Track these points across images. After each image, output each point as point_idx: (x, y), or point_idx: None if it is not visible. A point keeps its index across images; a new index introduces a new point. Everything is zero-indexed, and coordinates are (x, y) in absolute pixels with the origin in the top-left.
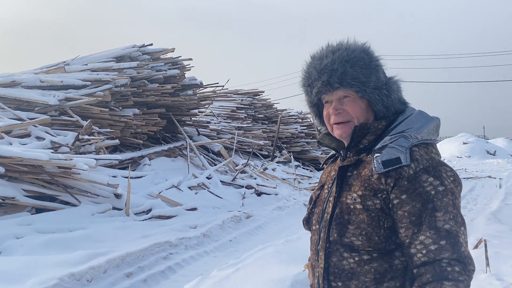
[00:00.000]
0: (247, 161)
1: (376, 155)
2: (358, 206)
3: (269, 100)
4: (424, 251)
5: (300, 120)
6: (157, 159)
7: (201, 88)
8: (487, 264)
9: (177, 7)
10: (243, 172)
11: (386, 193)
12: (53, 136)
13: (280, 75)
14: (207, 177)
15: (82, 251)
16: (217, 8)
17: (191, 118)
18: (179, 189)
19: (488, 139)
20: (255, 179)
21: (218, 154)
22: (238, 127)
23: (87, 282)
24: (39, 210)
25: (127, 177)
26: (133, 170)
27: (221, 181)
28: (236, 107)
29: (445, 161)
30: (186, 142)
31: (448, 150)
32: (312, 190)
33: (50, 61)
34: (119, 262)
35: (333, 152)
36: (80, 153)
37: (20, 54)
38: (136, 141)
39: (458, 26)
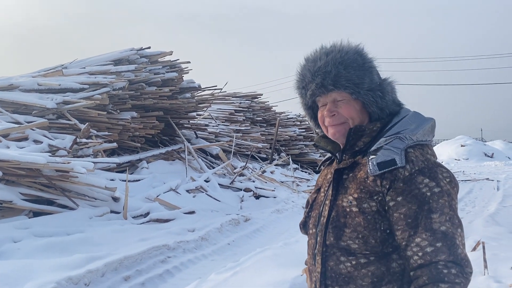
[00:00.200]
0: (246, 164)
1: (372, 157)
2: (354, 209)
3: (267, 103)
4: (420, 254)
5: (299, 123)
6: (155, 162)
7: (199, 91)
8: (485, 266)
9: (175, 10)
10: (241, 175)
11: (382, 195)
12: (50, 139)
13: (278, 78)
14: (205, 180)
15: (80, 254)
16: (215, 12)
17: (189, 121)
18: (177, 192)
19: (485, 141)
20: (254, 182)
21: (216, 157)
22: (236, 130)
23: (85, 286)
24: (36, 214)
25: (125, 181)
26: (131, 174)
27: (219, 184)
28: (234, 110)
29: (443, 163)
30: (184, 145)
31: (446, 152)
32: (310, 193)
33: (49, 64)
34: (117, 266)
35: (329, 154)
36: (78, 157)
37: (19, 57)
38: (134, 144)
39: (455, 29)
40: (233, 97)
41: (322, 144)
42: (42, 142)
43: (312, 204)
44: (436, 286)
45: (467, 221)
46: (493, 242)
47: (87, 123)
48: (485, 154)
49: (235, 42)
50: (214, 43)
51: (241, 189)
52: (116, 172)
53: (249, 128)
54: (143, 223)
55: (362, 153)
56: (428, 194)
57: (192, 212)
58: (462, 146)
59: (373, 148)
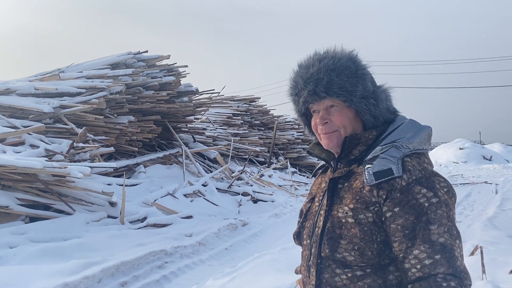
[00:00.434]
0: (243, 168)
1: (368, 166)
2: (350, 220)
3: (265, 107)
4: (418, 266)
5: (297, 127)
6: (152, 167)
7: (196, 95)
8: (483, 271)
9: (172, 14)
10: (239, 179)
11: (378, 205)
12: (47, 144)
13: (276, 81)
14: (203, 185)
15: (77, 260)
16: (213, 15)
17: (186, 125)
18: (175, 197)
19: (484, 144)
20: (252, 186)
21: (214, 161)
22: (234, 133)
23: None
24: (33, 219)
25: (122, 185)
26: (128, 178)
27: (217, 188)
28: (232, 113)
29: (441, 166)
30: (182, 149)
31: (444, 155)
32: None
33: (45, 68)
34: (113, 271)
35: (323, 162)
36: (75, 161)
37: (15, 62)
38: (131, 149)
39: (453, 31)
40: (230, 100)
41: (316, 151)
42: (38, 147)
43: (306, 214)
44: None
45: (466, 225)
46: (492, 247)
47: (84, 127)
48: (484, 157)
49: (233, 45)
50: (212, 46)
51: (239, 193)
52: (113, 176)
53: (247, 131)
54: (140, 228)
55: (358, 162)
56: (426, 204)
57: (190, 217)
58: (460, 149)
59: (369, 157)
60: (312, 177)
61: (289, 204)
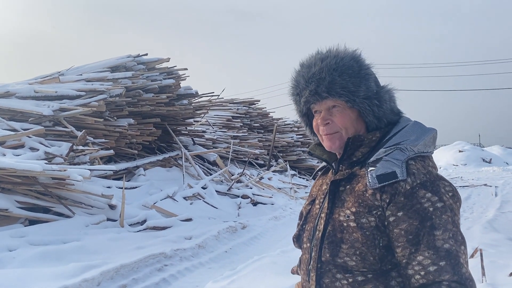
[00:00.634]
0: (243, 170)
1: (371, 168)
2: (352, 224)
3: (264, 109)
4: (422, 273)
5: (296, 129)
6: (152, 169)
7: (196, 98)
8: (483, 274)
9: (172, 17)
10: (238, 181)
11: (381, 209)
12: (47, 146)
13: (275, 84)
14: (202, 187)
15: (76, 263)
16: (212, 18)
17: (186, 128)
18: (174, 200)
19: (483, 147)
20: (251, 188)
21: (214, 163)
22: (233, 136)
23: None
24: (32, 222)
25: (122, 188)
26: (127, 181)
27: (216, 191)
28: (232, 116)
29: (441, 169)
30: (181, 152)
31: (444, 158)
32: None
33: (44, 71)
34: (113, 274)
35: (324, 163)
36: (74, 164)
37: (14, 64)
38: (131, 151)
39: (453, 34)
40: (230, 103)
41: (318, 152)
42: (38, 150)
43: (306, 216)
44: None
45: (465, 228)
46: (491, 249)
47: (84, 130)
48: (483, 160)
49: (232, 48)
50: (212, 49)
51: (238, 196)
52: (113, 179)
53: (246, 134)
54: (139, 230)
55: (360, 164)
56: (431, 209)
57: (189, 220)
58: (460, 151)
59: (372, 159)
60: (312, 178)
61: (289, 206)
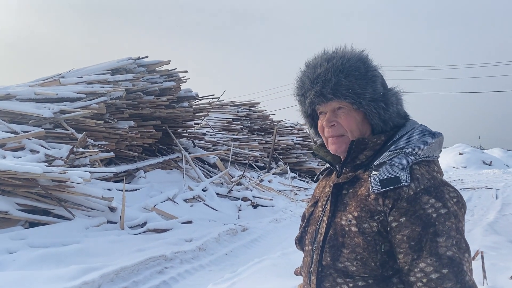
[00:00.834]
0: (243, 172)
1: (374, 173)
2: (354, 229)
3: (265, 111)
4: (424, 280)
5: (296, 131)
6: (152, 172)
7: (196, 100)
8: (484, 276)
9: (172, 19)
10: (239, 184)
11: (383, 215)
12: (47, 149)
13: (276, 86)
14: (202, 190)
15: (76, 265)
16: (212, 20)
17: (186, 130)
18: (175, 202)
19: (484, 149)
20: (251, 191)
21: (214, 166)
22: (234, 138)
23: None
24: (32, 224)
25: (122, 190)
26: (128, 183)
27: (216, 193)
28: (232, 118)
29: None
30: (182, 154)
31: (444, 160)
32: (309, 201)
33: (45, 73)
34: (113, 277)
35: (327, 165)
36: (75, 166)
37: (12, 66)
38: (131, 154)
39: (453, 37)
40: (230, 105)
41: (321, 153)
42: (38, 152)
43: (308, 218)
44: None
45: (466, 230)
46: (492, 252)
47: (84, 132)
48: (484, 162)
49: (233, 50)
50: (212, 52)
51: (238, 198)
52: (113, 181)
53: (246, 136)
54: (140, 233)
55: (364, 167)
56: (434, 215)
57: (190, 222)
58: (460, 154)
59: (375, 163)
60: (316, 179)
61: (289, 209)
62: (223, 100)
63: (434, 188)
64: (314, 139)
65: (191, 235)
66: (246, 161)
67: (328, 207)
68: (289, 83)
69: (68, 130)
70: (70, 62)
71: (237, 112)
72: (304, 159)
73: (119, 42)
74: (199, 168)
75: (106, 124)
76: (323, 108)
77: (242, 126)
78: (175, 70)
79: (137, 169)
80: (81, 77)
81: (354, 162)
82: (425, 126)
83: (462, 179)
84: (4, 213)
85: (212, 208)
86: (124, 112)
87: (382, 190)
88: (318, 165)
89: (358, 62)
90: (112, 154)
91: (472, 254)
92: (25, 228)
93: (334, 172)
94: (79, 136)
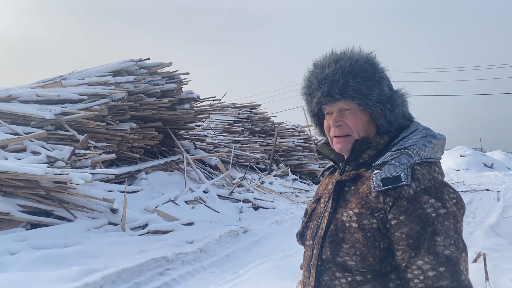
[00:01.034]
0: (244, 174)
1: (376, 171)
2: (354, 225)
3: (266, 114)
4: (421, 277)
5: (297, 134)
6: (154, 173)
7: (198, 102)
8: (486, 278)
9: (173, 20)
10: (240, 186)
11: (384, 212)
12: (49, 150)
13: (277, 89)
14: (204, 191)
15: (77, 267)
16: (214, 22)
17: (188, 132)
18: (176, 204)
19: (485, 152)
20: (252, 193)
21: (215, 167)
22: (235, 140)
23: None
24: (34, 226)
25: (123, 192)
26: (129, 185)
27: (218, 195)
28: (233, 120)
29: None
30: (183, 156)
31: (445, 163)
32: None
33: (46, 75)
34: (114, 278)
35: (331, 163)
36: (76, 168)
37: (14, 68)
38: (133, 155)
39: (455, 39)
40: (231, 107)
41: (326, 151)
42: (40, 153)
43: (310, 214)
44: None
45: (468, 232)
46: (494, 254)
47: (86, 134)
48: (485, 165)
49: (234, 53)
50: (213, 54)
51: (240, 200)
52: (115, 183)
53: (247, 138)
54: (141, 234)
55: (366, 166)
56: (433, 215)
57: (191, 224)
58: (461, 156)
59: (378, 162)
60: (320, 177)
61: (290, 211)
62: (224, 102)
63: (434, 189)
64: (319, 137)
65: (193, 236)
66: (247, 163)
67: (330, 203)
68: (291, 85)
69: (69, 131)
70: (72, 64)
71: (238, 114)
72: (305, 161)
73: (121, 43)
74: (200, 170)
75: (108, 125)
76: (330, 108)
77: (243, 128)
78: (177, 72)
79: (139, 171)
80: (83, 78)
81: (357, 161)
82: (428, 128)
83: (463, 182)
84: (5, 214)
85: (213, 209)
86: (126, 113)
87: (383, 188)
88: (319, 167)
89: (366, 63)
90: (113, 155)
91: (474, 256)
92: (26, 230)
93: (338, 170)
94: (81, 137)
